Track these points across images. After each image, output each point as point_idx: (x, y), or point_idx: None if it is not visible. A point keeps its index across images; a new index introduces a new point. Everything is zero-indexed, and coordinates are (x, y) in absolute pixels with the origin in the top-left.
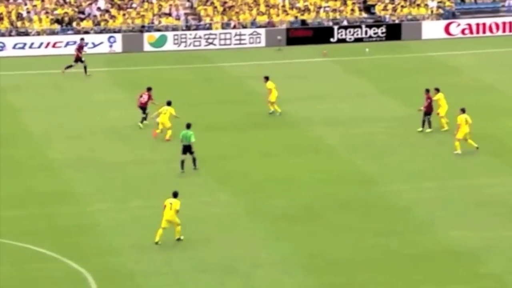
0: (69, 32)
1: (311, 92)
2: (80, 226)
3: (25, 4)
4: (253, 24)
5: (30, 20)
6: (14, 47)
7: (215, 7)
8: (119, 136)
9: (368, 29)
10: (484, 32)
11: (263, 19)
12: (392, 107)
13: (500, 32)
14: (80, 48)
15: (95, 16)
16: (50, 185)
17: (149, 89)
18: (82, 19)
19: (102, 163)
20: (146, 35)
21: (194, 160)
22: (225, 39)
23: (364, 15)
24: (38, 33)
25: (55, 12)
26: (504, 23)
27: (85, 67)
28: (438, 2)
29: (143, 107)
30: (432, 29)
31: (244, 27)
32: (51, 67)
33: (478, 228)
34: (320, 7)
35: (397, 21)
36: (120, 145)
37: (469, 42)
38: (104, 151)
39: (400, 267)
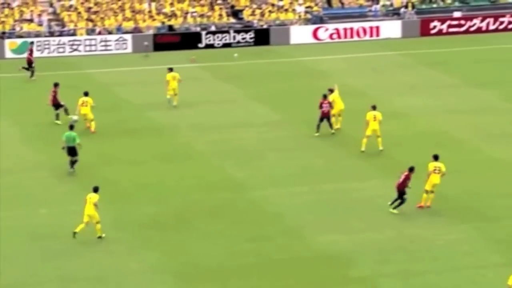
0: None
1: (179, 98)
2: None
3: None
4: (119, 30)
5: None
6: None
7: (79, 13)
8: None
9: (236, 34)
10: (351, 36)
11: (129, 24)
12: (261, 113)
13: (367, 37)
14: (31, 52)
15: None
16: None
17: (56, 85)
18: None
19: None
20: (7, 41)
21: (74, 162)
22: (90, 45)
23: (232, 20)
24: None
25: None
26: (371, 28)
27: (32, 72)
28: (306, 7)
29: (56, 104)
30: (300, 34)
31: (110, 33)
32: None
33: (348, 231)
34: (187, 13)
35: (265, 26)
36: None
37: (337, 47)
38: None
39: (271, 272)
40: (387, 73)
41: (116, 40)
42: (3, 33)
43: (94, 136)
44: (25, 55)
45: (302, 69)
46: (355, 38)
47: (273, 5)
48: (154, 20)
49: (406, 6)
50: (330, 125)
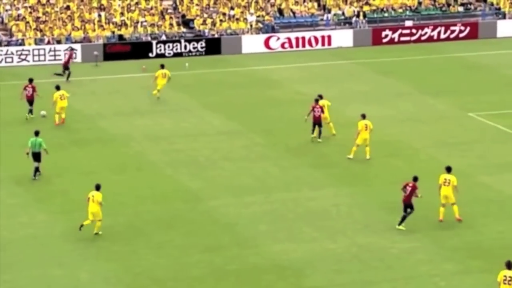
0: None
1: (131, 108)
2: None
3: None
4: (68, 39)
5: None
6: None
7: (28, 23)
8: None
9: (187, 43)
10: (303, 46)
11: (79, 34)
12: (214, 122)
13: (319, 46)
14: (70, 57)
15: None
16: None
17: (31, 81)
18: None
19: None
20: None
21: (37, 169)
22: (38, 55)
23: (183, 29)
24: None
25: None
26: (323, 37)
27: (68, 74)
28: (257, 16)
29: (30, 100)
30: (252, 43)
31: (59, 42)
32: None
33: (302, 241)
34: (137, 22)
35: (216, 36)
36: None
37: (289, 56)
38: None
39: (225, 283)
40: (339, 82)
41: (66, 50)
42: None
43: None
44: (63, 59)
45: (254, 78)
46: (307, 47)
47: (224, 14)
48: (104, 29)
49: (357, 15)
50: (319, 133)
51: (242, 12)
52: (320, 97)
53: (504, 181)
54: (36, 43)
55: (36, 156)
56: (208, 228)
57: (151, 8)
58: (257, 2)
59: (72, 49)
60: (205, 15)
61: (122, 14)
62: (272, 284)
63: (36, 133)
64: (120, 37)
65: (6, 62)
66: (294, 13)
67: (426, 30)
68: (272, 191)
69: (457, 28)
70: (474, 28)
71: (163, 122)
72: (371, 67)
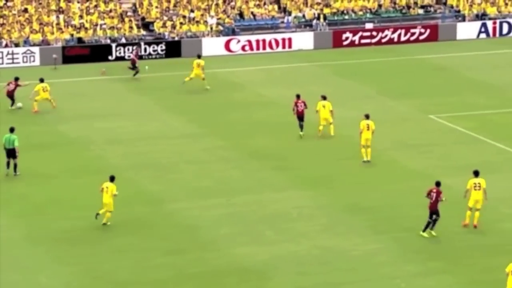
0: None
1: (90, 110)
2: None
3: None
4: (26, 42)
5: None
6: None
7: None
8: None
9: (147, 46)
10: (264, 48)
11: (37, 37)
12: (175, 125)
13: (280, 48)
14: (136, 54)
15: None
16: None
17: (16, 79)
18: None
19: None
20: None
21: (15, 166)
22: None
23: (143, 32)
24: None
25: None
26: (283, 39)
27: (136, 71)
28: (218, 19)
29: (11, 95)
30: (212, 46)
31: (17, 45)
32: None
33: (264, 243)
34: (96, 25)
35: (176, 38)
36: None
37: (250, 59)
38: None
39: (186, 286)
40: (300, 85)
41: (24, 53)
42: None
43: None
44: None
45: (215, 81)
46: (268, 49)
47: (184, 17)
48: (62, 32)
49: (318, 18)
50: (301, 127)
51: (202, 15)
52: (324, 98)
53: (465, 182)
54: None
55: (10, 153)
56: (170, 231)
57: (111, 11)
58: (217, 5)
59: (138, 46)
60: (165, 18)
61: (81, 17)
62: (234, 287)
63: (11, 130)
64: (79, 40)
65: None
66: (254, 15)
67: (386, 32)
68: (233, 194)
69: (417, 31)
70: (434, 31)
71: (123, 125)
72: (331, 69)
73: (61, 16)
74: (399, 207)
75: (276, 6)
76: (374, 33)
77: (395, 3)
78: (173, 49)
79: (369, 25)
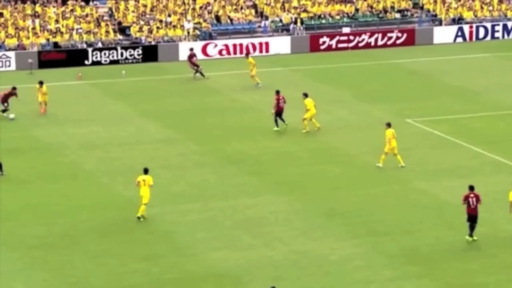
0: None
1: (65, 116)
2: None
3: None
4: (2, 47)
5: None
6: None
7: None
8: None
9: (124, 51)
10: (241, 52)
11: (13, 41)
12: (151, 130)
13: (257, 53)
14: (191, 57)
15: None
16: None
17: (14, 88)
18: None
19: None
20: None
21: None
22: None
23: (120, 37)
24: None
25: None
26: (260, 44)
27: (196, 72)
28: (195, 23)
29: (3, 101)
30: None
31: None
32: None
33: (240, 248)
34: (73, 29)
35: (153, 43)
36: None
37: (227, 63)
38: None
39: None
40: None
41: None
42: None
43: None
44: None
45: (191, 86)
46: (245, 54)
47: (161, 21)
48: (38, 37)
49: (295, 22)
50: (282, 120)
51: (179, 19)
52: (306, 95)
53: (441, 187)
54: None
55: None
56: (145, 237)
57: (87, 15)
58: (194, 9)
59: (192, 49)
60: (142, 22)
61: (57, 21)
62: None
63: None
64: (55, 44)
65: None
66: (231, 20)
67: (363, 36)
68: (209, 199)
69: (394, 35)
70: (411, 35)
71: (98, 130)
72: (308, 74)
73: (37, 21)
74: (376, 211)
75: (253, 11)
76: (351, 38)
77: (372, 8)
78: (150, 54)
79: (346, 30)
